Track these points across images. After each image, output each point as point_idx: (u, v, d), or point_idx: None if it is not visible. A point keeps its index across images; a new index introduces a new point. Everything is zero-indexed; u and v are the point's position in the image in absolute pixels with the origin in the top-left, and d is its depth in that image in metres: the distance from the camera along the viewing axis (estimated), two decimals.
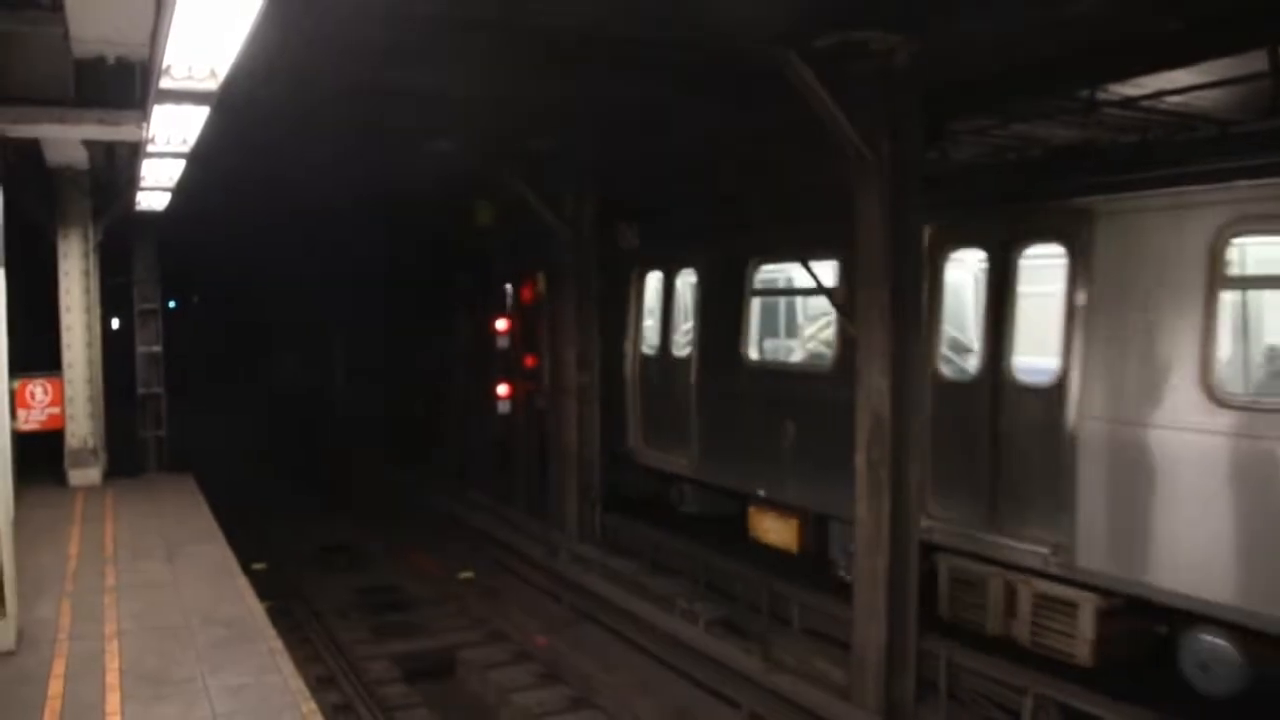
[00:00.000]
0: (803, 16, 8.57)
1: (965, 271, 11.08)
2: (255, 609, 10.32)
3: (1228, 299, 8.36)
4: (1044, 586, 9.31)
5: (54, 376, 16.45)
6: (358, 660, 13.47)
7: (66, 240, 16.83)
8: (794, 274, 13.44)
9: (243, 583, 11.28)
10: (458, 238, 21.36)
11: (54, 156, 14.33)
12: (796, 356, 13.91)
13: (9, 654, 8.88)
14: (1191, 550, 8.19)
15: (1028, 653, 9.44)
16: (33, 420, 15.93)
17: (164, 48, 6.17)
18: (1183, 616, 8.44)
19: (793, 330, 14.46)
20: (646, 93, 11.18)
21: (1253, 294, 9.01)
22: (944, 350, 10.70)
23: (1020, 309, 9.88)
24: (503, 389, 19.67)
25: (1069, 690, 9.04)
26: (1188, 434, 8.27)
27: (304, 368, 37.88)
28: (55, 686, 8.17)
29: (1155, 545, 8.46)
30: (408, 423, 26.68)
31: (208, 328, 38.69)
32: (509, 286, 20.02)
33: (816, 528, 12.36)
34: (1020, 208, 9.73)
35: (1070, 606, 9.10)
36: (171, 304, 25.42)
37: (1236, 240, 8.09)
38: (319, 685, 11.93)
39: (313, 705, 7.86)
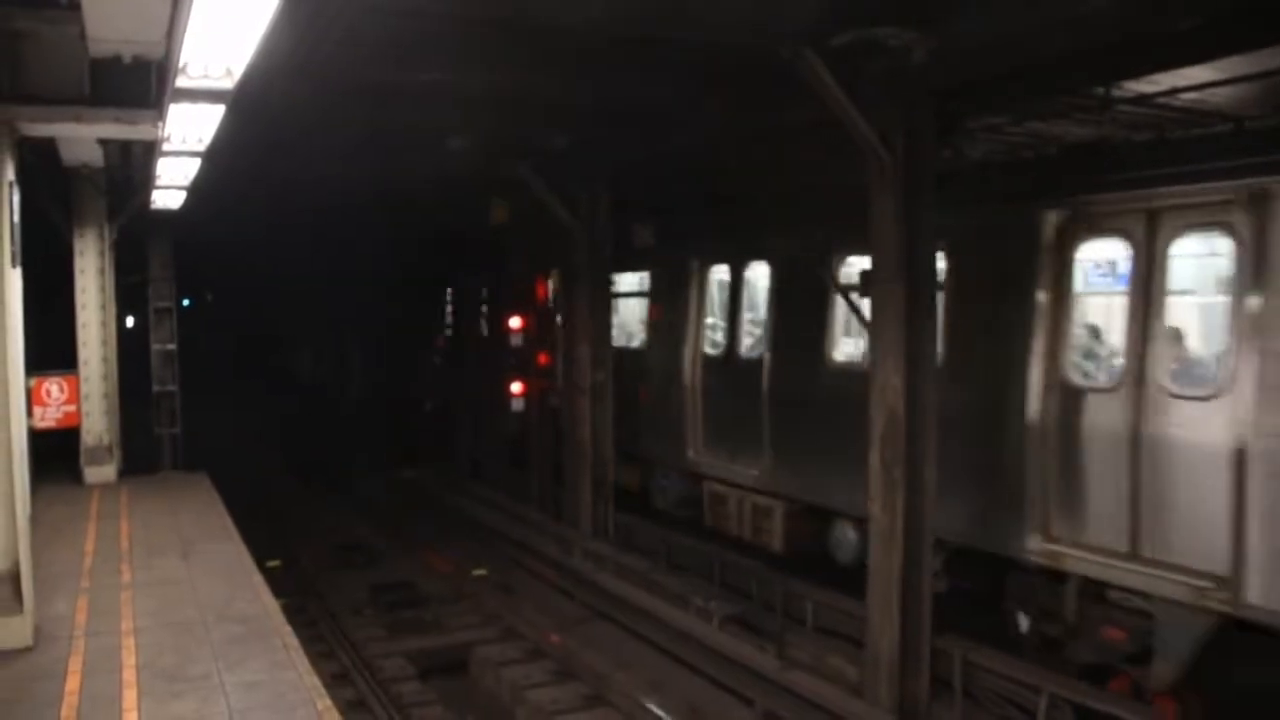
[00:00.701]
0: (819, 14, 8.55)
1: (717, 278, 15.30)
2: (270, 606, 10.36)
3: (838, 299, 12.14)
4: (756, 499, 13.46)
5: (70, 374, 16.54)
6: (372, 657, 13.51)
7: (82, 239, 16.93)
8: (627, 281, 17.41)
9: (258, 580, 11.32)
10: (471, 236, 21.40)
11: (69, 155, 14.35)
12: (634, 343, 17.38)
13: (26, 650, 8.95)
14: (827, 472, 12.20)
15: (748, 544, 13.59)
16: (49, 418, 16.01)
17: (180, 46, 6.19)
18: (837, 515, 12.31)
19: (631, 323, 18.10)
20: (657, 92, 11.20)
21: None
22: (706, 333, 15.11)
23: (745, 304, 14.31)
24: (517, 386, 19.71)
25: (1083, 690, 9.05)
26: (815, 388, 12.64)
27: (316, 365, 38.04)
28: (72, 682, 8.23)
29: (813, 470, 12.64)
30: (421, 420, 26.73)
31: (221, 326, 38.87)
32: (523, 284, 20.06)
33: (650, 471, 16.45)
34: (745, 236, 14.21)
35: (769, 511, 13.17)
36: (185, 302, 25.53)
37: (845, 259, 12.10)
38: (333, 682, 11.99)
39: (328, 702, 7.89)
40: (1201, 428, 8.41)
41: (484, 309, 22.90)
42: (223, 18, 5.61)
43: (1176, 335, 9.09)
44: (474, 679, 13.39)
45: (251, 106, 8.63)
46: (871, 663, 9.95)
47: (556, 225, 16.04)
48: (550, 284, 19.08)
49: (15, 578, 9.11)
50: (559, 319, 18.06)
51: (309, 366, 38.99)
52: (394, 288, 28.20)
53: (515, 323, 19.99)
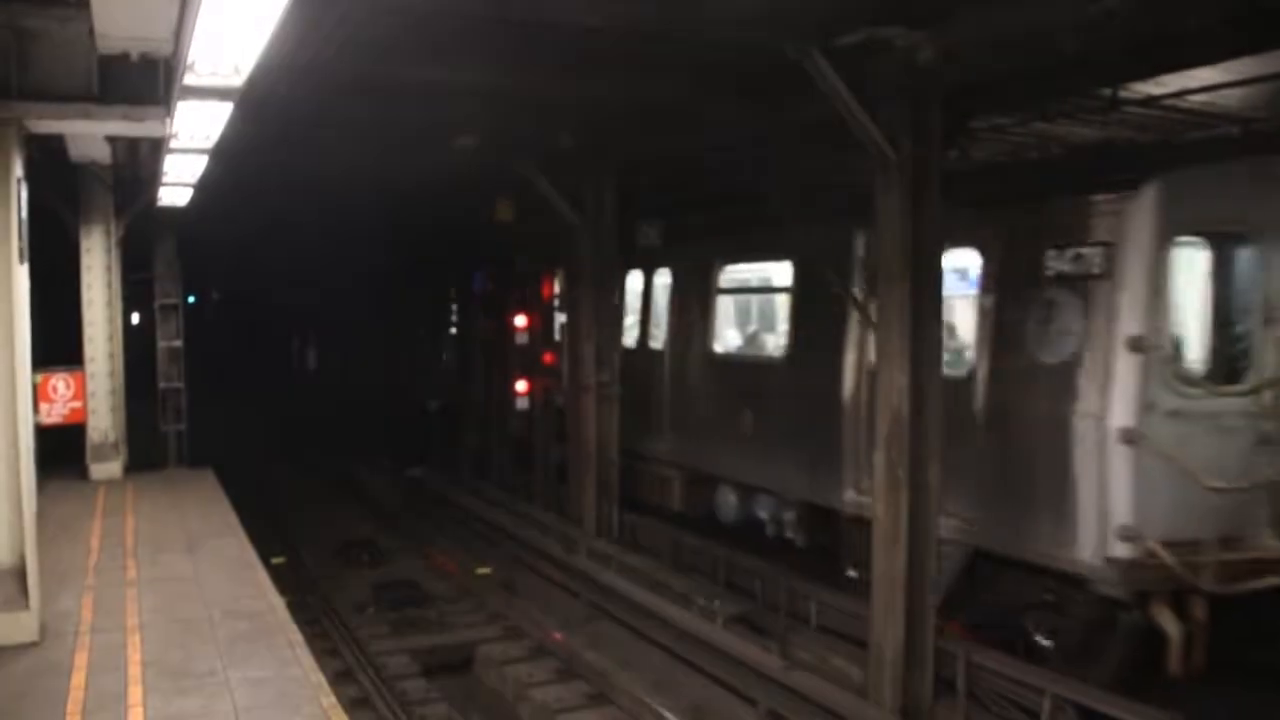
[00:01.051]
0: (825, 14, 8.55)
1: (634, 282, 17.34)
2: (275, 603, 10.37)
3: (723, 300, 15.39)
4: (661, 469, 16.05)
5: (76, 371, 16.56)
6: (376, 655, 13.52)
7: (89, 236, 16.97)
8: None
9: (263, 576, 11.34)
10: (477, 235, 21.39)
11: (77, 152, 14.41)
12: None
13: (33, 645, 8.97)
14: (712, 445, 14.88)
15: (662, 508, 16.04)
16: (55, 414, 16.05)
17: (188, 44, 6.21)
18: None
19: None
20: (665, 91, 11.20)
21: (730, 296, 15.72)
22: (626, 329, 17.04)
23: (654, 304, 16.83)
24: (521, 386, 19.72)
25: (1086, 691, 9.03)
26: (702, 376, 15.31)
27: (320, 363, 38.07)
28: (78, 678, 8.25)
29: (701, 443, 15.18)
30: (425, 419, 26.73)
31: (226, 323, 38.93)
32: (528, 283, 20.06)
33: None
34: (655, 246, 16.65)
35: (670, 479, 15.83)
36: (191, 299, 25.58)
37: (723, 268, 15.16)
38: (338, 679, 11.98)
39: (332, 699, 7.91)
40: (963, 401, 10.39)
41: (488, 308, 22.87)
42: (231, 16, 5.62)
43: (946, 327, 10.75)
44: (478, 677, 13.39)
45: (259, 104, 8.64)
46: (875, 663, 9.94)
47: (561, 224, 16.04)
48: (555, 283, 19.07)
49: (21, 573, 9.15)
50: (564, 318, 18.05)
51: (313, 364, 39.03)
52: (398, 286, 28.20)
53: (520, 322, 19.98)
